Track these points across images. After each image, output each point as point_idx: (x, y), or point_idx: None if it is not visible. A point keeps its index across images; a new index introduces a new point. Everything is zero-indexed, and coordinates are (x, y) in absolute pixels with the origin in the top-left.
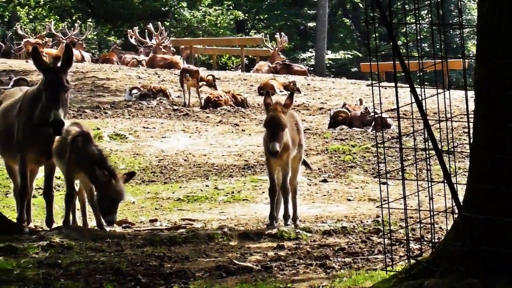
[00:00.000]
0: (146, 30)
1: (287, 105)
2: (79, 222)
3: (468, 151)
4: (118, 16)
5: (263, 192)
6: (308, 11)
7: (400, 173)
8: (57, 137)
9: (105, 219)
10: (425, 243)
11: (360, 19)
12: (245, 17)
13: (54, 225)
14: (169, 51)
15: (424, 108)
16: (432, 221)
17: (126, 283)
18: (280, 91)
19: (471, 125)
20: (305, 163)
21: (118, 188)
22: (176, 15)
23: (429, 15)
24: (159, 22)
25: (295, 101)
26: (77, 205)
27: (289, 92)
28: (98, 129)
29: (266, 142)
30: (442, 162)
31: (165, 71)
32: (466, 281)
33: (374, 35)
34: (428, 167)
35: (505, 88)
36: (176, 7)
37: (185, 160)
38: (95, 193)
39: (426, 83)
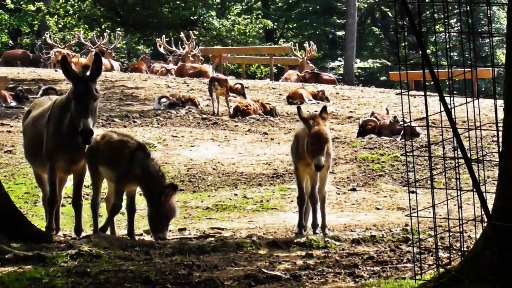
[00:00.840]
0: (173, 39)
1: (324, 118)
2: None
3: (497, 159)
4: (147, 25)
5: (292, 201)
6: (337, 20)
7: (429, 181)
8: (107, 147)
9: (155, 235)
10: (454, 251)
11: (389, 27)
12: (274, 26)
13: (83, 234)
14: (198, 60)
15: (453, 116)
16: (461, 230)
17: None
18: (309, 100)
19: (500, 133)
20: None
21: (172, 205)
22: (205, 24)
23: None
24: (190, 32)
25: None
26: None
27: (318, 102)
28: None
29: (293, 150)
30: (471, 171)
31: (194, 80)
32: None
33: (403, 44)
34: (457, 176)
35: None
36: (205, 16)
37: (214, 168)
38: (147, 207)
39: (455, 92)
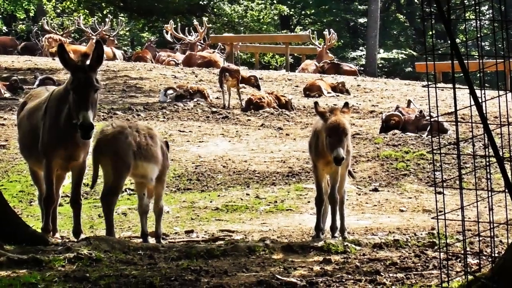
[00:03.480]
0: (180, 25)
1: (344, 112)
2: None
3: None
4: (152, 10)
5: (309, 202)
6: (359, 6)
7: (457, 182)
8: (149, 138)
9: None
10: (484, 257)
11: (415, 15)
12: (291, 12)
13: (82, 236)
14: (208, 48)
15: (484, 111)
16: (492, 234)
17: None
18: (328, 93)
19: None
20: (348, 171)
21: None
22: (215, 10)
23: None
24: (204, 18)
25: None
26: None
27: (337, 94)
28: None
29: (312, 147)
30: (504, 170)
31: (203, 70)
32: None
33: (430, 33)
34: (488, 176)
35: None
36: (215, 0)
37: (224, 166)
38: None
39: (486, 84)
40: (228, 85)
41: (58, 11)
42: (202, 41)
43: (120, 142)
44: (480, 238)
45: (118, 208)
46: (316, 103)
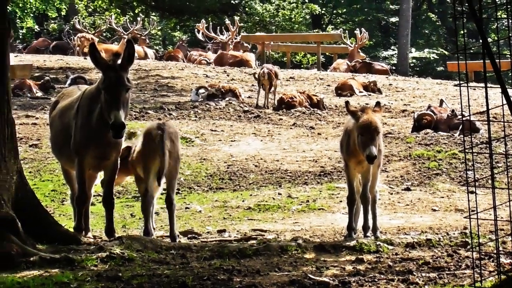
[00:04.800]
0: (211, 24)
1: (376, 111)
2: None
3: None
4: (184, 9)
5: (341, 201)
6: (391, 5)
7: (489, 181)
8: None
9: None
10: None
11: (447, 13)
12: (322, 11)
13: (115, 235)
14: (241, 47)
15: None
16: None
17: None
18: (360, 92)
19: None
20: None
21: None
22: (247, 9)
23: None
24: (235, 17)
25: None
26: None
27: (369, 94)
28: None
29: (343, 146)
30: None
31: (235, 69)
32: None
33: (462, 32)
34: None
35: None
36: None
37: (256, 165)
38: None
39: None
40: (267, 85)
41: (90, 10)
42: (235, 39)
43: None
44: None
45: None
46: (347, 102)
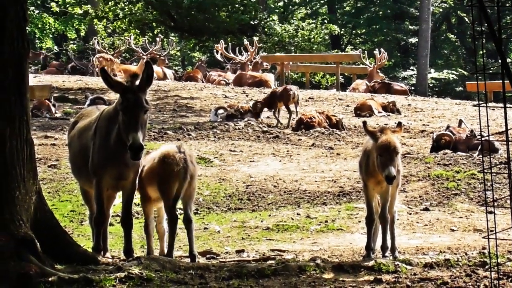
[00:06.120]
0: (230, 45)
1: (395, 131)
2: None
3: None
4: (203, 30)
5: (360, 221)
6: (410, 26)
7: (508, 201)
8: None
9: None
10: None
11: (466, 34)
12: (341, 32)
13: (133, 255)
14: (260, 67)
15: None
16: None
17: None
18: (379, 112)
19: None
20: None
21: None
22: (266, 29)
23: None
24: (254, 38)
25: (394, 123)
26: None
27: (388, 114)
28: None
29: (362, 166)
30: None
31: (254, 89)
32: None
33: (481, 52)
34: None
35: None
36: (266, 20)
37: (274, 186)
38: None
39: None
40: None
41: (109, 31)
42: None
43: None
44: None
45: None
46: (364, 123)
